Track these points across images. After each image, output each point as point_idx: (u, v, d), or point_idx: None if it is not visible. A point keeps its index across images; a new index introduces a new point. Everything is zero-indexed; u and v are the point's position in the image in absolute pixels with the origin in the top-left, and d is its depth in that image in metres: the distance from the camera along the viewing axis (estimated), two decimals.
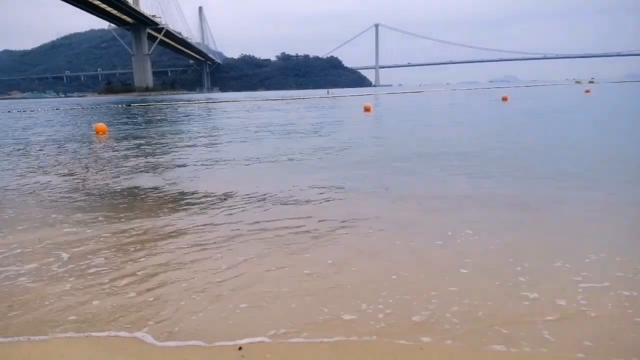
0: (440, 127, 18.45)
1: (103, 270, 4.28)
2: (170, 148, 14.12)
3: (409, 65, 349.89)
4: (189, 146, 14.37)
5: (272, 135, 16.50)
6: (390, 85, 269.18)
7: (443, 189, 7.18)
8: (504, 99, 38.46)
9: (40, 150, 14.46)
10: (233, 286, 3.84)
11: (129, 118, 33.17)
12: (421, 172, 8.71)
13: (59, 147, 15.02)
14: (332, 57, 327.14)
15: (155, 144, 15.40)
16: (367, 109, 29.23)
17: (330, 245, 4.79)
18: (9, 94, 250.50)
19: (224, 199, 6.89)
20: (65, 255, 4.66)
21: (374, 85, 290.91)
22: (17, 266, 4.43)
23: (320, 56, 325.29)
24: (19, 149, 14.78)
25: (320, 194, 7.03)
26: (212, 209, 6.37)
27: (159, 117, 32.43)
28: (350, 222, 5.51)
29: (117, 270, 4.27)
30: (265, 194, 7.05)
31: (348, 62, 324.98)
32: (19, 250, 4.87)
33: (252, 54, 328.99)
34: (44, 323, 3.28)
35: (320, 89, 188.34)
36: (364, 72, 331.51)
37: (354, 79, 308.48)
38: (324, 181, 7.88)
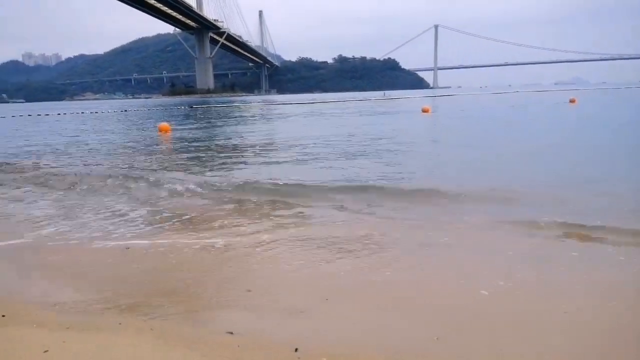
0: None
1: None
2: (225, 150, 14.34)
3: (468, 66, 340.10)
4: (241, 159, 14.53)
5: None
6: (449, 87, 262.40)
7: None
8: (572, 101, 36.78)
9: (111, 145, 15.18)
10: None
11: (191, 118, 34.30)
12: None
13: (126, 143, 15.70)
14: (389, 58, 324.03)
15: (213, 145, 15.71)
16: (425, 110, 28.55)
17: None
18: (83, 96, 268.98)
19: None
20: None
21: (432, 87, 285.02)
22: None
23: (377, 58, 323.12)
24: (93, 143, 15.59)
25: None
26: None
27: (218, 118, 33.29)
28: None
29: None
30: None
31: (406, 64, 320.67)
32: None
33: (309, 57, 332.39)
34: None
35: (377, 90, 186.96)
36: (421, 74, 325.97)
37: (412, 80, 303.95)
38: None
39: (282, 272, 4.16)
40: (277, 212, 6.13)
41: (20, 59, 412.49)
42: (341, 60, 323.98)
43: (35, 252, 4.77)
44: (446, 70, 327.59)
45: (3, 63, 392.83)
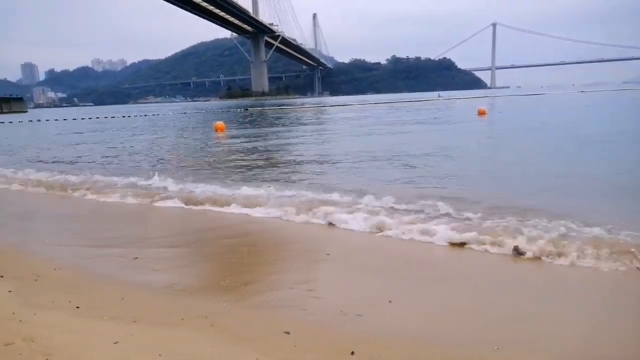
0: None
1: None
2: (277, 148, 14.57)
3: (528, 65, 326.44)
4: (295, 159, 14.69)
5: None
6: (508, 87, 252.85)
7: None
8: None
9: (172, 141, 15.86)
10: None
11: (246, 120, 35.14)
12: None
13: (187, 140, 16.34)
14: (444, 58, 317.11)
15: (266, 144, 16.01)
16: (481, 113, 27.64)
17: None
18: (146, 99, 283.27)
19: None
20: None
21: (489, 87, 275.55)
22: None
23: (432, 58, 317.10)
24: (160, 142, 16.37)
25: None
26: None
27: (271, 120, 33.88)
28: None
29: None
30: None
31: (462, 64, 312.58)
32: None
33: (362, 58, 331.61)
34: None
35: (431, 91, 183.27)
36: (478, 74, 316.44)
37: (468, 80, 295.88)
38: None
39: (343, 273, 4.19)
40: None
41: (89, 65, 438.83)
42: (395, 60, 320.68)
43: (107, 243, 5.07)
44: (504, 70, 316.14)
45: (75, 69, 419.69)
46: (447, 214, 5.61)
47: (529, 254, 4.29)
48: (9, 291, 3.74)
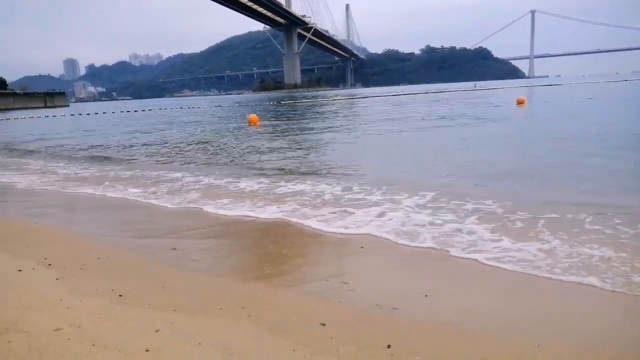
0: None
1: None
2: (310, 141, 14.59)
3: (568, 54, 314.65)
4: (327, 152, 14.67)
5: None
6: (547, 77, 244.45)
7: None
8: None
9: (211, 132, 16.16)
10: None
11: (279, 112, 35.35)
12: None
13: (224, 132, 16.60)
14: (480, 47, 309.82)
15: (301, 138, 16.07)
16: (519, 101, 26.85)
17: None
18: (181, 93, 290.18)
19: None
20: None
21: (528, 77, 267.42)
22: None
23: (467, 47, 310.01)
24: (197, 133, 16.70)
25: None
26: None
27: (304, 112, 33.95)
28: None
29: None
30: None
31: (498, 53, 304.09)
32: None
33: (395, 48, 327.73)
34: None
35: (467, 81, 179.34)
36: (516, 63, 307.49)
37: (505, 70, 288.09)
38: None
39: (377, 266, 4.18)
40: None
41: (127, 60, 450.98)
42: (429, 50, 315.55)
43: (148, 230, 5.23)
44: (543, 59, 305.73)
45: (113, 64, 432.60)
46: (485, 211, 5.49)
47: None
48: (57, 279, 3.91)
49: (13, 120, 42.78)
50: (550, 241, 4.44)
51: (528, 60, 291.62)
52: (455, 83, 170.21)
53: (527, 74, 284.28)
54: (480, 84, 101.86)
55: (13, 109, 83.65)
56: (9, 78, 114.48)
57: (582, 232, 4.60)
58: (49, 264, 4.30)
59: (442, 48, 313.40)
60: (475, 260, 4.18)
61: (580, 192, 6.29)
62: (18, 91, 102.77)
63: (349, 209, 5.94)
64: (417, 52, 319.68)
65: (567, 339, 2.85)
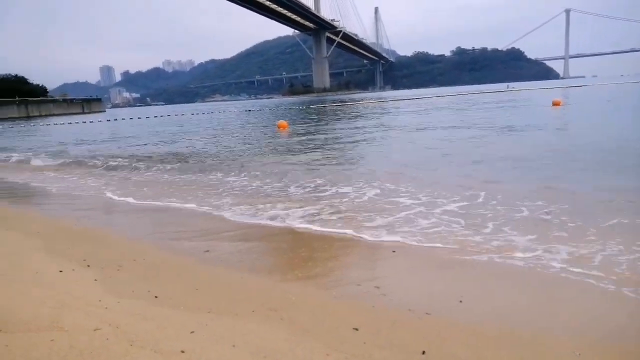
0: None
1: None
2: (341, 145, 14.57)
3: (605, 53, 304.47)
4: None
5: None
6: (583, 77, 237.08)
7: None
8: None
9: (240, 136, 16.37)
10: None
11: (308, 117, 35.51)
12: None
13: (251, 137, 16.82)
14: (513, 48, 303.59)
15: (329, 141, 16.09)
16: (555, 103, 26.14)
17: None
18: (213, 97, 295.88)
19: None
20: None
21: (563, 78, 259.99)
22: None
23: (499, 48, 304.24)
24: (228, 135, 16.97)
25: None
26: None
27: (333, 116, 34.01)
28: None
29: None
30: None
31: (532, 53, 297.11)
32: None
33: (425, 50, 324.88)
34: None
35: (499, 83, 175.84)
36: (550, 63, 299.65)
37: (538, 71, 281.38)
38: None
39: (410, 271, 4.14)
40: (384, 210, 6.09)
41: (161, 66, 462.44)
42: (459, 52, 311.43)
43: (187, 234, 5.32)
44: (579, 59, 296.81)
45: (147, 70, 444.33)
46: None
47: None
48: (95, 280, 4.02)
49: (54, 126, 44.39)
50: (596, 245, 4.29)
51: (563, 60, 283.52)
52: (487, 85, 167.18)
53: (561, 75, 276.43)
54: (513, 85, 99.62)
55: (53, 114, 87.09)
56: (49, 85, 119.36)
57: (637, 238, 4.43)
58: (88, 265, 4.43)
59: (473, 49, 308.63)
60: (513, 263, 4.08)
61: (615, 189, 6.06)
62: (58, 98, 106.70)
63: (381, 213, 5.90)
64: (447, 53, 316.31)
65: (610, 350, 2.74)
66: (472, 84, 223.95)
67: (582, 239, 4.50)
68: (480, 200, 6.25)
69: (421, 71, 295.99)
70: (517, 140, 13.21)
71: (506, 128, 15.95)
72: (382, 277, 4.02)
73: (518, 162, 9.08)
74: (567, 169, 8.34)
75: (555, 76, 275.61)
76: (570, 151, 10.51)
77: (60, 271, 4.25)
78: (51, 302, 3.44)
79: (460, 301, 3.41)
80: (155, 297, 3.60)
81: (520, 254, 4.26)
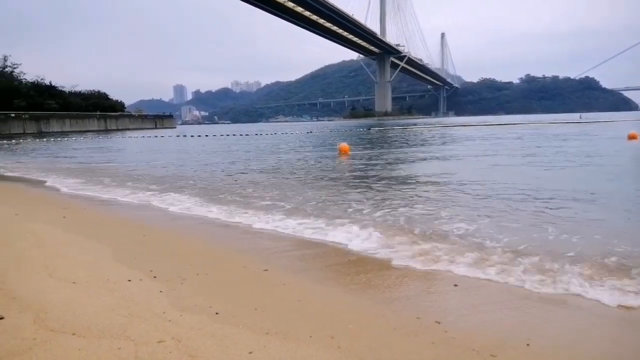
0: None
1: None
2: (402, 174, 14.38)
3: None
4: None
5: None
6: None
7: None
8: None
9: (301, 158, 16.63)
10: None
11: (369, 140, 35.52)
12: None
13: (311, 159, 17.02)
14: (586, 77, 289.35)
15: (386, 167, 15.93)
16: (631, 136, 24.46)
17: None
18: (276, 118, 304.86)
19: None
20: None
21: None
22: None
23: (571, 77, 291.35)
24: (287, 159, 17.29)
25: None
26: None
27: (395, 141, 33.76)
28: None
29: None
30: None
31: (606, 83, 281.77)
32: None
33: (492, 77, 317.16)
34: None
35: (570, 113, 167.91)
36: (627, 94, 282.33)
37: (614, 101, 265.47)
38: None
39: (473, 307, 3.96)
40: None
41: (229, 87, 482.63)
42: (529, 80, 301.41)
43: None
44: None
45: (216, 90, 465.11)
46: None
47: None
48: (160, 291, 4.17)
49: (133, 138, 47.25)
50: None
51: None
52: (557, 114, 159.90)
53: None
54: (586, 115, 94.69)
55: (128, 129, 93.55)
56: (127, 101, 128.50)
57: None
58: (154, 276, 4.61)
59: (544, 77, 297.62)
60: (598, 302, 3.81)
61: None
62: (133, 113, 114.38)
63: (442, 244, 5.73)
64: (515, 81, 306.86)
65: None
66: (542, 113, 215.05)
67: None
68: (551, 237, 5.92)
69: (487, 98, 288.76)
70: (595, 173, 12.46)
71: (579, 162, 15.11)
72: (443, 311, 3.85)
73: (594, 196, 8.54)
74: None
75: (634, 107, 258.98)
76: None
77: (129, 280, 4.46)
78: (121, 310, 3.60)
79: (528, 344, 3.21)
80: (216, 313, 3.67)
81: (596, 295, 3.97)
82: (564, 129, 41.64)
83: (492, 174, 12.53)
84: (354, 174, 13.54)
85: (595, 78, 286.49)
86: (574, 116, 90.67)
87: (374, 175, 12.77)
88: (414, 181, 11.67)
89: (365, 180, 11.89)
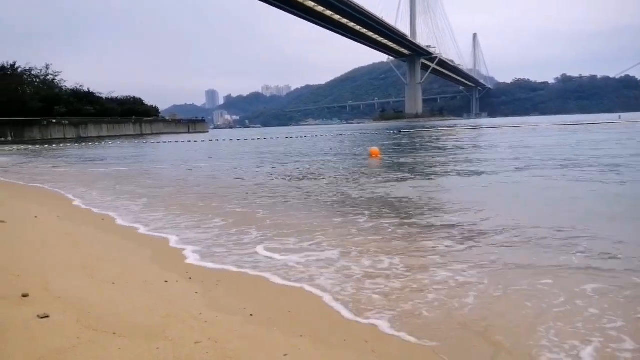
0: None
1: None
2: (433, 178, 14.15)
3: None
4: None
5: None
6: None
7: None
8: None
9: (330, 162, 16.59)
10: None
11: (400, 143, 35.17)
12: None
13: (340, 163, 16.95)
14: (626, 76, 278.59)
15: (419, 171, 15.71)
16: None
17: None
18: (306, 121, 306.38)
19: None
20: None
21: None
22: None
23: (610, 76, 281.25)
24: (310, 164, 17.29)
25: None
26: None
27: (426, 144, 33.32)
28: None
29: None
30: None
31: None
32: None
33: (526, 77, 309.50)
34: None
35: (609, 113, 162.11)
36: None
37: None
38: None
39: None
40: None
41: (260, 91, 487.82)
42: (565, 79, 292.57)
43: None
44: None
45: (247, 94, 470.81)
46: None
47: None
48: (196, 292, 4.25)
49: (169, 143, 48.33)
50: None
51: None
52: (594, 115, 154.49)
53: None
54: (625, 116, 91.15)
55: (163, 133, 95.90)
56: (161, 106, 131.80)
57: None
58: (190, 278, 4.70)
59: (580, 77, 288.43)
60: None
61: None
62: (167, 118, 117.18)
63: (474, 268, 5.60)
64: (550, 81, 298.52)
65: None
66: (578, 113, 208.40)
67: None
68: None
69: (521, 98, 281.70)
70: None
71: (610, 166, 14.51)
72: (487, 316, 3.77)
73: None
74: None
75: None
76: None
77: (166, 281, 4.55)
78: (159, 311, 3.69)
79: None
80: (251, 315, 3.71)
81: None
82: (605, 133, 40.09)
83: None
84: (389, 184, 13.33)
85: (637, 77, 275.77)
86: (613, 116, 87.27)
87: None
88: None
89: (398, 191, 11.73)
